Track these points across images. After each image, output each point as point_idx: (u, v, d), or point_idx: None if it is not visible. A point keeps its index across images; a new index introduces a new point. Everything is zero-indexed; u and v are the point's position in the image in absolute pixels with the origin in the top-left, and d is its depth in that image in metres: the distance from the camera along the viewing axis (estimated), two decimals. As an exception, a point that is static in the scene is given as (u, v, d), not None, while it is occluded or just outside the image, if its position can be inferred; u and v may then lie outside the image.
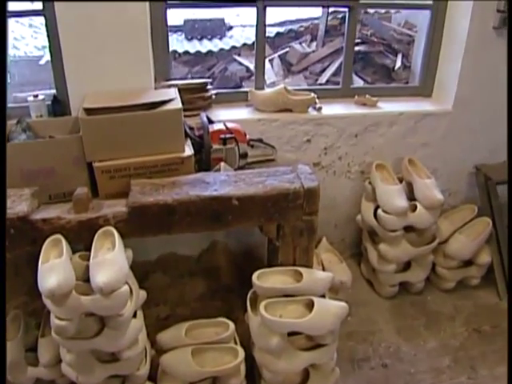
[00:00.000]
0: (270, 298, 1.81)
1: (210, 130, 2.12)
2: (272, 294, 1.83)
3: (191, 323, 1.99)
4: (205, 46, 4.30)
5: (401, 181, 2.65)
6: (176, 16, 4.71)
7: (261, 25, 2.52)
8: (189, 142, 2.06)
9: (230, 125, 2.19)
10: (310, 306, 1.79)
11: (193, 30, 4.49)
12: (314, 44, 4.10)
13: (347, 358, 2.31)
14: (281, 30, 4.31)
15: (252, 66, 3.42)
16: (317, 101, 2.60)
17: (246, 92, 2.61)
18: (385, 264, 2.59)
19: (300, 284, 1.84)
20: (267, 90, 2.61)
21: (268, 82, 3.51)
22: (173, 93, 2.08)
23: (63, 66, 2.17)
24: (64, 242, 1.65)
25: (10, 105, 2.29)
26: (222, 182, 1.85)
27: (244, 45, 4.22)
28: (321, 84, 3.68)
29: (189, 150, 1.98)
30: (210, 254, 2.42)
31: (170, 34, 2.48)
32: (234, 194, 1.77)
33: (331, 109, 2.65)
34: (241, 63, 4.02)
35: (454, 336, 2.48)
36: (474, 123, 2.78)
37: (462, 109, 2.73)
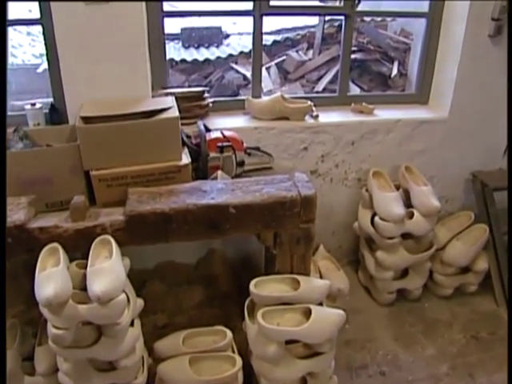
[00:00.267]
0: (267, 306, 1.81)
1: (207, 138, 2.13)
2: (269, 302, 1.83)
3: (189, 332, 1.99)
4: (202, 54, 4.31)
5: (398, 188, 2.65)
6: (173, 24, 4.73)
7: (257, 33, 2.53)
8: (186, 150, 2.06)
9: (227, 133, 2.19)
10: (308, 314, 1.78)
11: (190, 38, 4.50)
12: (311, 52, 4.12)
13: (345, 365, 2.31)
14: (277, 38, 4.32)
15: (249, 74, 3.43)
16: (313, 109, 2.61)
17: (243, 100, 2.62)
18: (382, 271, 2.60)
19: (297, 292, 1.83)
20: (264, 98, 2.62)
21: (265, 89, 3.51)
22: (170, 101, 2.08)
23: (60, 74, 2.19)
24: (61, 250, 1.65)
25: (7, 113, 2.29)
26: (219, 191, 1.85)
27: (241, 53, 4.23)
28: (317, 92, 3.68)
29: (186, 159, 1.98)
30: (208, 262, 2.42)
31: (167, 42, 2.49)
32: (231, 203, 1.77)
33: (328, 116, 2.66)
34: (238, 71, 4.02)
35: (452, 343, 2.48)
36: (470, 130, 2.80)
37: (458, 116, 2.74)
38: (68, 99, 2.23)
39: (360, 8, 2.66)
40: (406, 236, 2.56)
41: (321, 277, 2.48)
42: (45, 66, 3.47)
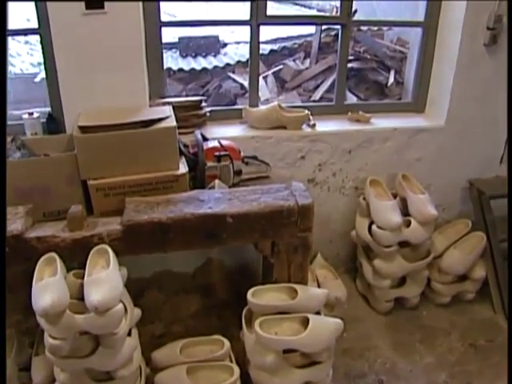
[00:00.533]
0: (264, 316, 1.81)
1: (205, 147, 2.13)
2: (267, 312, 1.83)
3: (186, 341, 1.99)
4: (199, 63, 4.33)
5: (395, 196, 2.66)
6: (171, 33, 4.75)
7: (254, 43, 2.54)
8: (183, 159, 2.07)
9: (224, 142, 2.20)
10: (305, 322, 1.78)
11: (187, 48, 4.53)
12: (308, 61, 4.13)
13: (343, 374, 2.30)
14: (274, 47, 4.35)
15: (246, 83, 3.45)
16: (310, 117, 2.62)
17: (241, 109, 2.63)
18: (380, 279, 2.60)
19: (295, 301, 1.84)
20: (261, 108, 2.63)
21: (262, 99, 3.53)
22: (167, 111, 2.09)
23: (58, 83, 2.19)
24: (58, 260, 1.65)
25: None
26: (216, 200, 1.85)
27: (238, 62, 4.25)
28: (314, 101, 3.70)
29: (183, 168, 1.99)
30: (205, 271, 2.41)
31: (164, 51, 2.51)
32: (229, 212, 1.77)
33: (325, 125, 2.67)
34: (235, 80, 4.04)
35: (450, 351, 2.47)
36: (466, 138, 2.81)
37: (454, 124, 2.75)
38: (65, 108, 2.23)
39: (356, 17, 2.66)
40: (403, 244, 2.56)
41: (318, 285, 2.48)
42: (42, 75, 3.48)
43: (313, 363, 1.85)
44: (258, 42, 2.56)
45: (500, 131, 2.85)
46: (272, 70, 4.10)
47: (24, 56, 6.85)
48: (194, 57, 4.50)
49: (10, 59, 5.19)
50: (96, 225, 1.77)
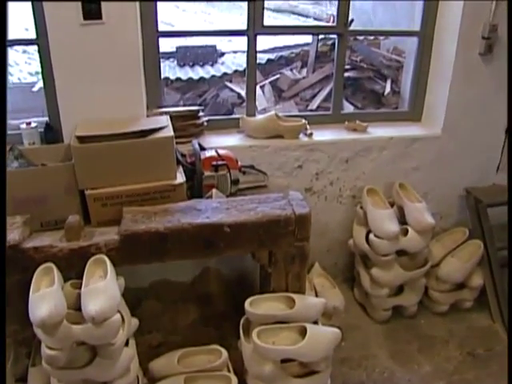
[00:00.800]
0: (262, 325, 1.81)
1: (202, 156, 2.14)
2: (265, 321, 1.83)
3: (184, 351, 1.98)
4: (197, 72, 4.34)
5: (392, 205, 2.66)
6: (168, 42, 4.77)
7: (252, 52, 2.55)
8: (181, 169, 2.07)
9: (221, 152, 2.21)
10: (303, 332, 1.78)
11: (185, 57, 4.54)
12: (305, 70, 4.15)
13: (341, 384, 2.30)
14: (272, 56, 4.36)
15: (243, 93, 3.46)
16: (308, 127, 2.63)
17: (238, 119, 2.64)
18: (377, 288, 2.60)
19: (293, 310, 1.84)
20: (258, 117, 2.64)
21: (259, 108, 3.54)
22: (165, 120, 2.10)
23: (56, 93, 2.20)
24: (55, 270, 1.65)
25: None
26: (213, 209, 1.86)
27: (235, 71, 4.26)
28: (311, 110, 3.71)
29: (181, 178, 2.00)
30: (203, 281, 2.42)
31: (162, 60, 2.51)
32: (226, 222, 1.78)
33: (322, 134, 2.67)
34: (232, 90, 4.05)
35: (449, 360, 2.47)
36: (463, 147, 2.82)
37: (451, 133, 2.76)
38: (63, 118, 2.24)
39: (353, 27, 2.68)
40: (400, 253, 2.57)
41: (316, 294, 2.48)
42: (40, 84, 3.49)
43: (311, 373, 1.84)
44: (255, 52, 2.57)
45: (496, 139, 2.87)
46: (269, 80, 4.11)
47: (22, 65, 6.88)
48: (192, 66, 4.52)
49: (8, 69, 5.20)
50: (93, 235, 1.77)
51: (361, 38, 4.13)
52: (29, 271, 1.65)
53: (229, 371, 1.95)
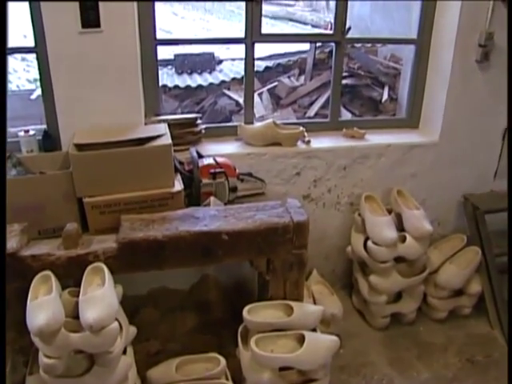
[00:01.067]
0: (260, 333, 1.80)
1: (200, 164, 2.14)
2: (263, 329, 1.82)
3: (182, 359, 1.98)
4: (195, 80, 4.35)
5: (390, 212, 2.66)
6: (166, 50, 4.79)
7: (249, 60, 2.56)
8: (179, 176, 2.08)
9: (219, 159, 2.22)
10: (301, 340, 1.78)
11: (183, 65, 4.56)
12: (303, 78, 4.17)
13: (340, 391, 2.29)
14: (269, 64, 4.38)
15: (241, 100, 3.47)
16: (305, 134, 2.64)
17: (236, 126, 2.64)
18: (376, 295, 2.59)
19: (291, 318, 1.83)
20: (256, 125, 2.64)
21: (257, 115, 3.55)
22: (163, 128, 2.10)
23: (54, 101, 2.20)
24: (53, 278, 1.65)
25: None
26: (211, 217, 1.86)
27: (233, 79, 4.28)
28: (309, 117, 3.72)
29: (179, 185, 2.00)
30: (201, 288, 2.41)
31: (160, 68, 2.52)
32: (224, 229, 1.78)
33: (320, 142, 2.68)
34: (230, 97, 4.07)
35: (447, 367, 2.46)
36: (460, 154, 2.83)
37: (448, 140, 2.77)
38: (61, 126, 2.24)
39: (350, 34, 2.68)
40: (398, 260, 2.57)
41: (314, 301, 2.47)
42: (38, 92, 3.50)
43: (309, 381, 1.84)
44: (253, 60, 2.58)
45: (494, 146, 2.88)
46: (267, 87, 4.13)
47: (20, 72, 6.89)
48: (190, 74, 4.53)
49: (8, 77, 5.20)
50: (91, 242, 1.77)
51: (358, 45, 4.15)
52: (27, 279, 1.65)
53: (227, 379, 1.95)
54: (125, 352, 1.72)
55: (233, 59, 4.85)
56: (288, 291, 1.95)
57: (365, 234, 2.60)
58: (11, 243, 1.69)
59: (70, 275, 1.72)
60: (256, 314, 1.86)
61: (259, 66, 4.24)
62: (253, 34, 2.48)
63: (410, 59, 2.89)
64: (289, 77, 4.22)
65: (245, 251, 1.84)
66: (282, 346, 1.80)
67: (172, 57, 4.66)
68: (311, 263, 2.38)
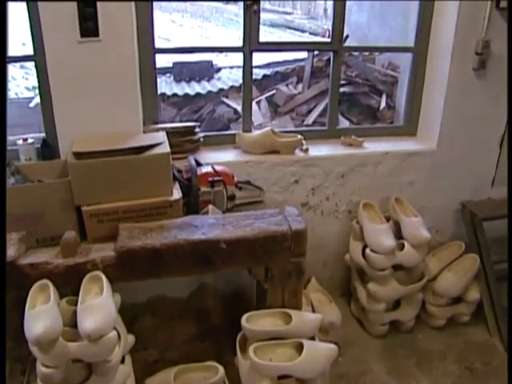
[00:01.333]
0: (259, 341, 1.80)
1: (198, 172, 2.15)
2: (261, 337, 1.82)
3: (180, 367, 1.97)
4: (193, 88, 4.37)
5: (388, 220, 2.67)
6: (165, 58, 4.81)
7: (247, 69, 2.57)
8: (177, 185, 2.08)
9: (217, 167, 2.22)
10: (300, 348, 1.78)
11: (181, 73, 4.58)
12: (300, 86, 4.18)
13: (339, 400, 2.29)
14: (267, 72, 4.40)
15: (240, 108, 3.48)
16: (303, 142, 2.64)
17: (234, 134, 2.65)
18: (374, 303, 2.59)
19: (289, 326, 1.83)
20: (255, 133, 2.65)
21: (255, 123, 3.56)
22: (161, 136, 2.11)
23: (53, 109, 2.21)
24: (51, 287, 1.65)
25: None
26: (210, 226, 1.86)
27: (231, 87, 4.30)
28: (307, 125, 3.73)
29: (177, 194, 2.00)
30: (199, 296, 2.41)
31: (158, 76, 2.53)
32: (222, 238, 1.78)
33: (318, 150, 2.68)
34: (229, 105, 4.08)
35: (446, 375, 2.46)
36: (458, 161, 2.83)
37: (446, 147, 2.78)
38: (60, 134, 2.24)
39: (348, 43, 2.70)
40: (397, 267, 2.57)
41: (313, 309, 2.47)
42: (37, 100, 3.51)
43: (308, 389, 1.84)
44: (251, 68, 2.58)
45: (491, 153, 2.89)
46: (265, 95, 4.15)
47: (19, 80, 6.90)
48: (188, 82, 4.55)
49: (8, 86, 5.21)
50: (89, 251, 1.77)
51: (356, 53, 4.17)
52: (24, 288, 1.65)
53: (226, 388, 1.95)
54: (123, 361, 1.72)
55: (231, 67, 4.88)
56: (286, 299, 1.95)
57: (363, 242, 2.60)
58: (9, 252, 1.69)
59: (68, 284, 1.72)
60: (254, 322, 1.86)
61: (257, 73, 4.26)
62: (251, 43, 2.50)
63: (407, 67, 2.90)
64: (287, 85, 4.24)
65: (243, 259, 1.84)
66: (281, 355, 1.80)
67: (170, 65, 4.68)
68: (310, 271, 2.38)
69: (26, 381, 1.86)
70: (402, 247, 2.52)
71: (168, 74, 4.69)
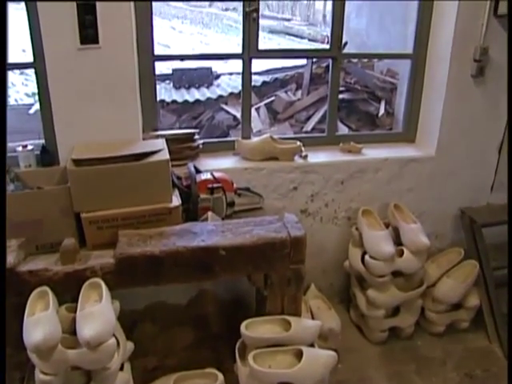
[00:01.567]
0: (258, 348, 1.80)
1: (198, 179, 2.15)
2: (261, 344, 1.82)
3: (179, 375, 1.97)
4: (192, 95, 4.38)
5: (387, 226, 2.67)
6: (164, 64, 4.82)
7: (247, 75, 2.58)
8: (176, 191, 2.08)
9: (217, 174, 2.22)
10: (299, 355, 1.78)
11: (181, 79, 4.59)
12: (300, 92, 4.19)
13: (338, 407, 2.28)
14: (267, 78, 4.41)
15: (239, 115, 3.49)
16: (302, 149, 2.65)
17: (233, 141, 2.65)
18: (374, 309, 2.59)
19: (288, 333, 1.83)
20: (254, 139, 2.65)
21: (254, 130, 3.56)
22: (160, 143, 2.11)
23: (52, 116, 2.21)
24: (50, 294, 1.65)
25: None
26: (209, 232, 1.86)
27: (231, 94, 4.31)
28: (306, 132, 3.74)
29: (176, 200, 2.00)
30: (199, 303, 2.40)
31: (158, 82, 2.53)
32: (222, 245, 1.78)
33: (317, 156, 2.69)
34: (228, 112, 4.08)
35: (446, 381, 2.45)
36: (457, 167, 2.84)
37: (444, 153, 2.79)
38: (59, 141, 2.25)
39: (347, 49, 2.71)
40: (396, 274, 2.56)
41: (312, 316, 2.47)
42: (37, 106, 3.51)
43: (307, 396, 1.83)
44: (250, 75, 2.59)
45: (490, 159, 2.89)
46: (264, 102, 4.15)
47: (19, 86, 6.91)
48: (188, 88, 4.56)
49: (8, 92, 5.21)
50: (89, 258, 1.77)
51: (355, 60, 4.18)
52: (24, 295, 1.65)
53: (225, 395, 1.94)
54: (122, 368, 1.71)
55: (230, 73, 4.89)
56: (286, 306, 1.95)
57: (362, 249, 2.60)
58: (9, 258, 1.69)
59: (68, 291, 1.72)
60: (254, 329, 1.86)
61: (256, 80, 4.27)
62: (250, 50, 2.51)
63: (406, 74, 2.91)
64: (286, 91, 4.24)
65: (242, 266, 1.84)
66: (280, 362, 1.80)
67: (170, 71, 4.69)
68: (309, 278, 2.38)
69: (24, 388, 1.86)
70: (401, 254, 2.52)
71: (167, 81, 4.70)
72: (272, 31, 9.85)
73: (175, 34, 9.73)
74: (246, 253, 1.81)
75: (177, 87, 4.58)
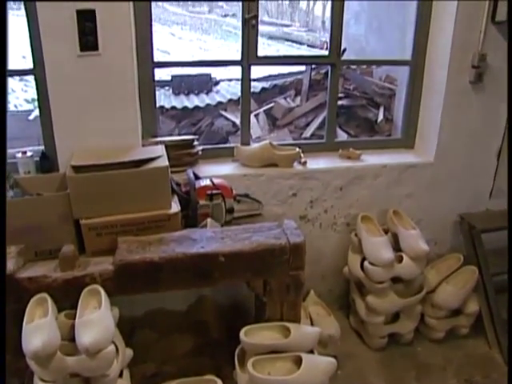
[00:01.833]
0: (258, 355, 1.80)
1: (197, 186, 2.15)
2: (260, 351, 1.82)
3: (178, 381, 1.96)
4: (192, 101, 4.38)
5: (386, 232, 2.67)
6: (164, 71, 4.83)
7: (246, 82, 2.59)
8: (176, 198, 2.08)
9: (216, 180, 2.23)
10: (299, 362, 1.77)
11: (180, 86, 4.59)
12: (299, 98, 4.20)
13: (338, 414, 2.28)
14: (266, 85, 4.41)
15: (238, 121, 3.49)
16: (302, 155, 2.65)
17: (232, 148, 2.65)
18: (373, 316, 2.59)
19: (288, 340, 1.83)
20: (253, 146, 2.66)
21: (254, 136, 3.57)
22: (160, 150, 2.12)
23: (52, 122, 2.22)
24: (49, 301, 1.64)
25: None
26: (208, 239, 1.86)
27: (230, 100, 4.31)
28: (305, 138, 3.74)
29: (175, 207, 2.00)
30: (198, 309, 2.40)
31: (157, 88, 2.53)
32: (221, 251, 1.78)
33: (316, 163, 2.69)
34: (227, 118, 4.09)
35: (446, 388, 2.46)
36: (455, 173, 2.84)
37: (443, 159, 2.79)
38: (59, 147, 2.25)
39: (346, 56, 2.72)
40: (395, 280, 2.56)
41: (311, 323, 2.46)
42: (36, 113, 3.52)
43: (307, 403, 1.83)
44: (249, 81, 2.60)
45: (489, 165, 2.90)
46: (263, 108, 4.16)
47: (18, 92, 6.93)
48: (187, 94, 4.57)
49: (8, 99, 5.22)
50: (88, 265, 1.77)
51: (354, 66, 4.19)
52: (23, 301, 1.65)
53: (224, 402, 1.93)
54: (121, 375, 1.71)
55: (229, 80, 4.90)
56: (285, 312, 1.95)
57: (361, 255, 2.60)
58: (8, 265, 1.69)
59: (67, 297, 1.72)
60: (253, 335, 1.86)
61: (255, 86, 4.28)
62: (249, 57, 2.51)
63: (404, 80, 2.92)
64: (285, 98, 4.25)
65: (241, 273, 1.84)
66: (280, 368, 1.80)
67: (169, 78, 4.70)
68: (308, 284, 2.37)
69: (23, 395, 1.85)
70: (400, 260, 2.52)
71: (167, 87, 4.71)
72: (271, 37, 9.88)
73: (175, 40, 9.76)
74: (245, 259, 1.81)
75: (176, 93, 4.59)
